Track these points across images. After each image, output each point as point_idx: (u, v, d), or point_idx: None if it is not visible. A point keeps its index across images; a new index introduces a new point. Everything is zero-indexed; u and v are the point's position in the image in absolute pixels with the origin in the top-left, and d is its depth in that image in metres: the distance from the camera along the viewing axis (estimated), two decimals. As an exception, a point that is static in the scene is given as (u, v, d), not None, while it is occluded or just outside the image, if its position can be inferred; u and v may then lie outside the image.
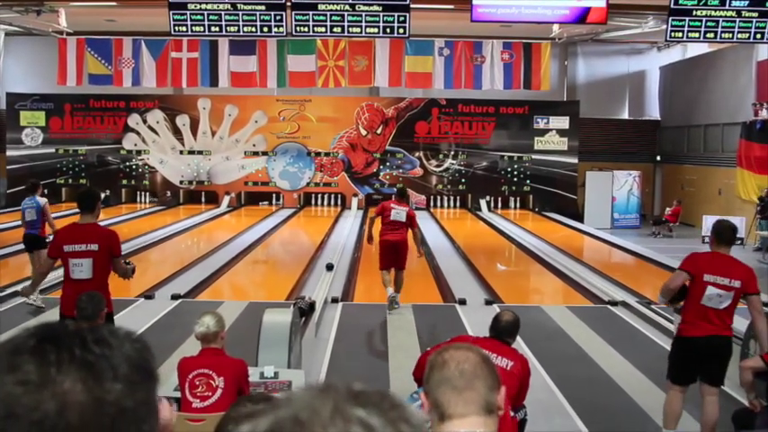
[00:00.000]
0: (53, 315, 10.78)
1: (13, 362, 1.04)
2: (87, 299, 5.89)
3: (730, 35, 14.36)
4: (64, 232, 7.22)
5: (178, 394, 5.46)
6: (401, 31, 14.25)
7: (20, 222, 14.18)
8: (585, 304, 12.92)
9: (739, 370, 6.35)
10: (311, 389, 1.00)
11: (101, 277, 7.04)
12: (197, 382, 5.35)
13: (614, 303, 12.64)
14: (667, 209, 25.24)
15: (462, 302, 12.22)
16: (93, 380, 1.04)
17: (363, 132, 28.94)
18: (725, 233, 6.70)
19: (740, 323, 8.22)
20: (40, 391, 1.01)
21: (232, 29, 14.39)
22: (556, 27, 23.05)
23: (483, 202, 28.65)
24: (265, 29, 14.37)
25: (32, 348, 1.05)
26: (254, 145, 29.09)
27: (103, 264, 7.05)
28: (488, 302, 12.25)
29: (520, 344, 9.70)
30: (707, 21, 14.25)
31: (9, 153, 28.70)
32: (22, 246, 17.74)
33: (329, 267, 14.51)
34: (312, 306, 10.19)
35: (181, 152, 29.14)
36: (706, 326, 6.48)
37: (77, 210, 7.26)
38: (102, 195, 27.86)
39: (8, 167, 28.64)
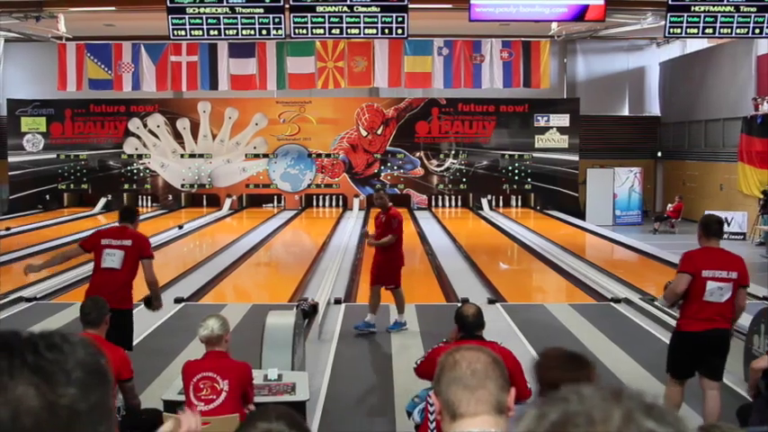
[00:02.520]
0: (60, 320, 10.81)
1: None
2: (92, 304, 5.89)
3: (729, 30, 14.36)
4: (103, 230, 8.11)
5: (182, 397, 5.47)
6: (399, 31, 14.26)
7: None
8: (588, 302, 12.91)
9: (749, 371, 6.36)
10: (603, 391, 1.01)
11: (128, 272, 7.72)
12: (201, 386, 5.36)
13: (617, 300, 12.63)
14: (669, 205, 25.23)
15: (465, 302, 12.17)
16: (46, 385, 1.05)
17: (364, 133, 28.95)
18: (712, 226, 6.82)
19: (745, 319, 8.23)
20: None
21: (231, 32, 14.40)
22: (554, 25, 23.07)
23: (484, 201, 28.66)
24: (264, 31, 14.37)
25: None
26: (254, 147, 29.12)
27: (133, 260, 7.72)
28: (491, 301, 12.24)
29: (524, 342, 9.73)
30: (705, 16, 14.25)
31: (11, 159, 28.76)
32: (25, 251, 17.83)
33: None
34: (315, 308, 10.19)
35: (182, 156, 29.18)
36: (707, 321, 6.54)
37: (118, 221, 8.06)
38: (105, 200, 28.13)
39: (10, 174, 28.70)
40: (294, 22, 14.31)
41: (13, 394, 1.03)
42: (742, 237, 21.69)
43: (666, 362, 6.90)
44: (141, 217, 26.55)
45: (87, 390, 1.08)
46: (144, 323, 10.82)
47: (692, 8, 14.26)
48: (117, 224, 8.09)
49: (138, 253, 7.75)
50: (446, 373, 2.26)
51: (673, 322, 10.01)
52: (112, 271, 7.63)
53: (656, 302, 11.88)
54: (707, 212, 8.55)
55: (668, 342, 7.11)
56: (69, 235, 20.77)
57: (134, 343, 8.42)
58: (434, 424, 4.23)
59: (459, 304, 12.01)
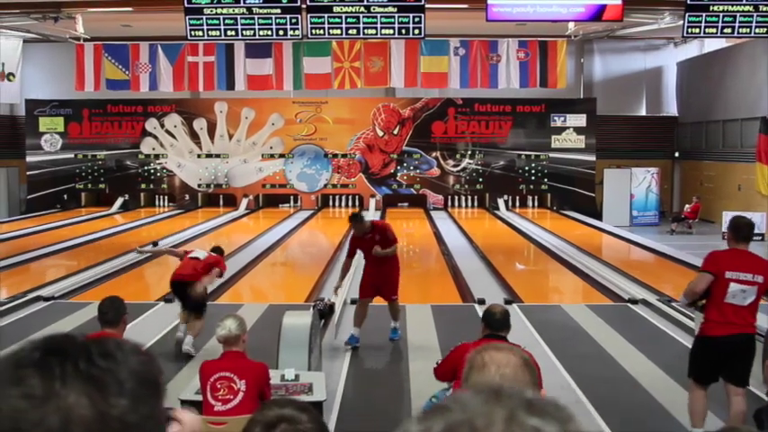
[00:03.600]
0: (77, 318, 10.86)
1: (18, 375, 1.03)
2: (109, 303, 5.86)
3: (748, 30, 14.27)
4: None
5: (200, 397, 5.48)
6: (416, 31, 14.24)
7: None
8: (605, 303, 12.85)
9: (763, 368, 6.30)
10: (483, 393, 1.00)
11: (207, 265, 9.88)
12: (219, 386, 5.37)
13: (634, 301, 12.57)
14: (687, 206, 25.11)
15: (481, 302, 12.13)
16: (98, 394, 1.03)
17: (380, 133, 28.95)
18: (743, 229, 6.63)
19: (763, 320, 8.17)
20: (45, 405, 1.00)
21: (248, 33, 14.41)
22: (571, 25, 22.99)
23: (501, 202, 28.60)
24: (281, 32, 14.38)
25: (37, 361, 1.04)
26: (271, 147, 29.18)
27: (209, 264, 9.95)
28: (508, 302, 12.17)
29: (540, 343, 9.71)
30: (724, 16, 14.16)
31: (29, 159, 28.94)
32: (43, 251, 17.98)
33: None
34: (331, 308, 10.19)
35: (198, 156, 29.27)
36: (730, 325, 6.39)
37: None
38: (122, 199, 28.31)
39: (28, 173, 28.90)
40: (311, 23, 14.31)
41: (65, 402, 1.01)
42: (761, 238, 21.57)
43: (688, 366, 6.76)
44: (157, 217, 26.83)
45: (139, 401, 1.06)
46: (161, 323, 10.88)
47: (711, 8, 14.17)
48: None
49: (211, 263, 9.99)
50: (474, 375, 2.21)
51: (690, 323, 9.98)
52: (197, 259, 9.91)
53: (673, 304, 11.83)
54: (728, 215, 8.40)
55: (689, 345, 6.98)
56: (87, 234, 20.89)
57: (151, 342, 8.50)
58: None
59: (476, 305, 12.07)
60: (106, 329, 5.65)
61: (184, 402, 5.74)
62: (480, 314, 5.85)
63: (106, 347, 1.09)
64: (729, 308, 6.40)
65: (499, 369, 2.18)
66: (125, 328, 5.87)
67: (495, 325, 5.49)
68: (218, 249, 10.74)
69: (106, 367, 1.06)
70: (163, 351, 8.70)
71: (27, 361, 1.05)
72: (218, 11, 14.26)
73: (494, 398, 0.98)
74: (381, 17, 14.08)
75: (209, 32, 14.46)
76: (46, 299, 12.48)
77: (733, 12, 14.10)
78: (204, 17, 14.33)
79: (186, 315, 9.71)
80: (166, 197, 29.54)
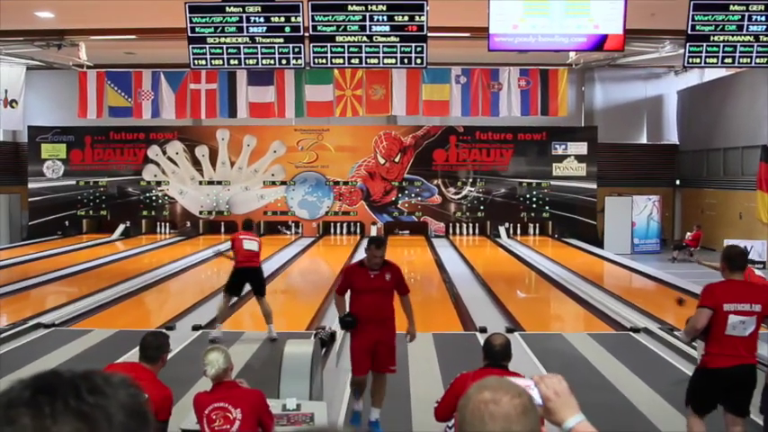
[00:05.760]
0: (78, 346, 10.83)
1: (9, 415, 1.05)
2: (153, 340, 5.66)
3: (748, 60, 14.30)
4: (239, 233, 13.03)
5: (199, 427, 5.48)
6: (419, 61, 14.28)
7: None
8: (607, 331, 12.83)
9: (764, 393, 6.28)
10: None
11: (259, 254, 12.63)
12: (214, 417, 5.37)
13: (636, 330, 12.55)
14: (688, 233, 25.12)
15: (483, 330, 12.13)
16: (89, 429, 1.05)
17: (381, 161, 29.02)
18: (737, 259, 6.57)
19: (765, 349, 8.14)
20: None
21: (251, 61, 14.47)
22: (572, 53, 23.10)
23: (502, 229, 28.62)
24: (284, 61, 14.43)
25: (28, 401, 1.06)
26: (272, 175, 29.24)
27: (260, 246, 12.73)
28: (509, 330, 12.16)
29: (542, 372, 9.66)
30: (724, 46, 14.21)
31: (31, 186, 29.03)
32: (44, 277, 17.97)
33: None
34: (333, 336, 10.16)
35: (200, 183, 29.33)
36: (731, 357, 6.32)
37: (243, 229, 13.33)
38: (123, 226, 28.27)
39: (30, 200, 28.96)
40: (314, 52, 14.35)
41: None
42: (762, 265, 21.53)
43: (687, 396, 6.69)
44: (159, 244, 26.74)
45: None
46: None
47: (712, 38, 14.22)
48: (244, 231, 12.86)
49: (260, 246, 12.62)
50: (472, 427, 1.97)
51: (692, 352, 9.94)
52: (252, 251, 12.26)
53: (675, 332, 11.80)
54: (729, 243, 8.29)
55: (690, 374, 6.87)
56: (88, 261, 20.88)
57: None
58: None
59: (477, 333, 12.03)
60: (143, 363, 5.55)
61: (185, 432, 5.73)
62: (482, 342, 5.81)
63: (94, 383, 1.11)
64: (730, 340, 6.32)
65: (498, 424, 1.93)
66: (163, 365, 5.74)
67: (496, 356, 5.45)
68: (248, 223, 13.35)
69: (95, 403, 1.07)
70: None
71: (18, 401, 1.07)
72: (222, 40, 14.32)
73: None
74: (384, 47, 14.13)
75: (213, 61, 14.52)
76: (46, 326, 12.45)
77: (734, 42, 14.15)
78: (207, 46, 14.39)
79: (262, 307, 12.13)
80: (168, 224, 29.58)
